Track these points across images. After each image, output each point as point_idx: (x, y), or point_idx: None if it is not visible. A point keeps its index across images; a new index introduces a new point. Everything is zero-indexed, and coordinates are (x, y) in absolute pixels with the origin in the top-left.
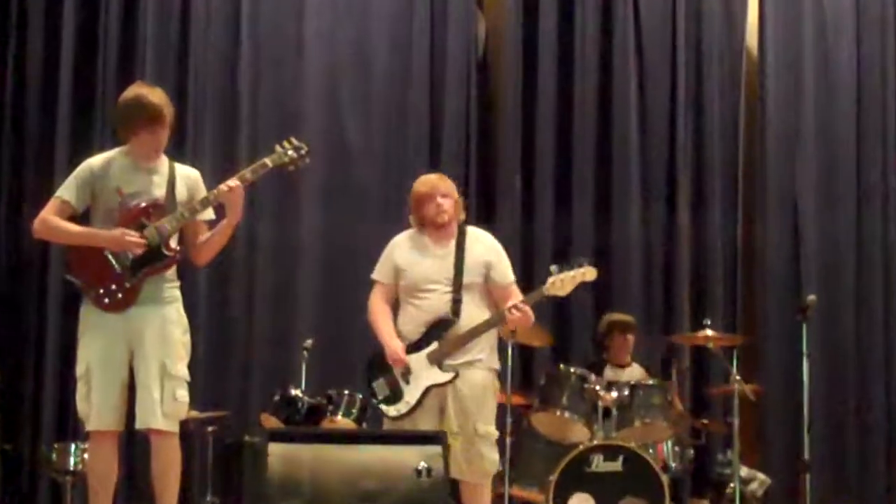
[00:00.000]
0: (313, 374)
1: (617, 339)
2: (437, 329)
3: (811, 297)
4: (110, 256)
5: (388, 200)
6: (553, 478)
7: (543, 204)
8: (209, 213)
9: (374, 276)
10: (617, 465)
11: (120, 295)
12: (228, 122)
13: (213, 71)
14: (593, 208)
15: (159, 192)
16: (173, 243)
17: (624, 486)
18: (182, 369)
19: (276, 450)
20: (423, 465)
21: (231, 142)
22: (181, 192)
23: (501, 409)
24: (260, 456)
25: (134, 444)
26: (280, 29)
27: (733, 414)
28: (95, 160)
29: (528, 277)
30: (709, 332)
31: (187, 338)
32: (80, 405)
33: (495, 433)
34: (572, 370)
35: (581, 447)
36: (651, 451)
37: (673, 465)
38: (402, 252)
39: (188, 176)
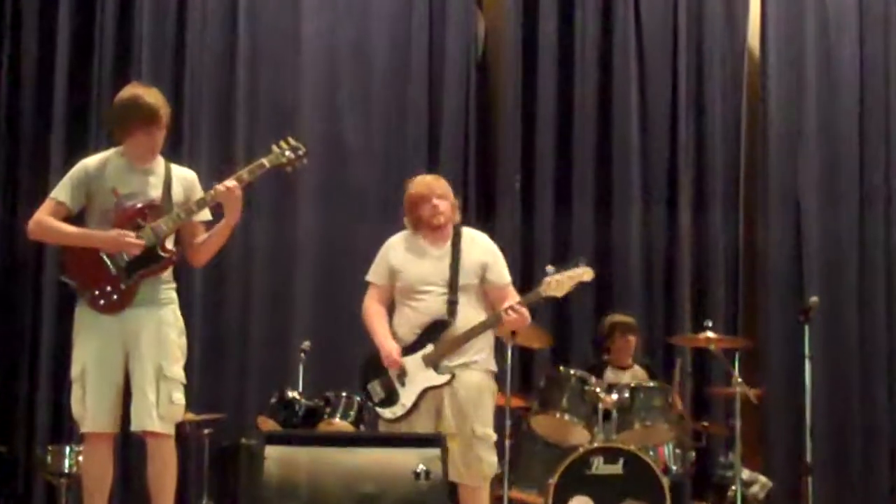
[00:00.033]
0: (310, 376)
1: (618, 340)
2: (433, 331)
3: (813, 299)
4: (105, 258)
5: (387, 201)
6: (553, 480)
7: (543, 205)
8: (206, 214)
9: (369, 277)
10: (617, 468)
11: (115, 296)
12: (225, 123)
13: (210, 71)
14: (594, 209)
15: (155, 192)
16: (169, 244)
17: (624, 489)
18: (178, 371)
19: (272, 453)
20: (421, 467)
21: (228, 142)
22: (177, 193)
23: (501, 411)
24: (256, 459)
25: (129, 447)
26: (277, 28)
27: (735, 416)
28: (91, 161)
29: (528, 279)
30: (710, 334)
31: (183, 339)
32: (75, 407)
33: (493, 435)
34: (572, 372)
35: (581, 450)
36: (652, 453)
37: (674, 467)
38: (398, 253)
39: (184, 177)
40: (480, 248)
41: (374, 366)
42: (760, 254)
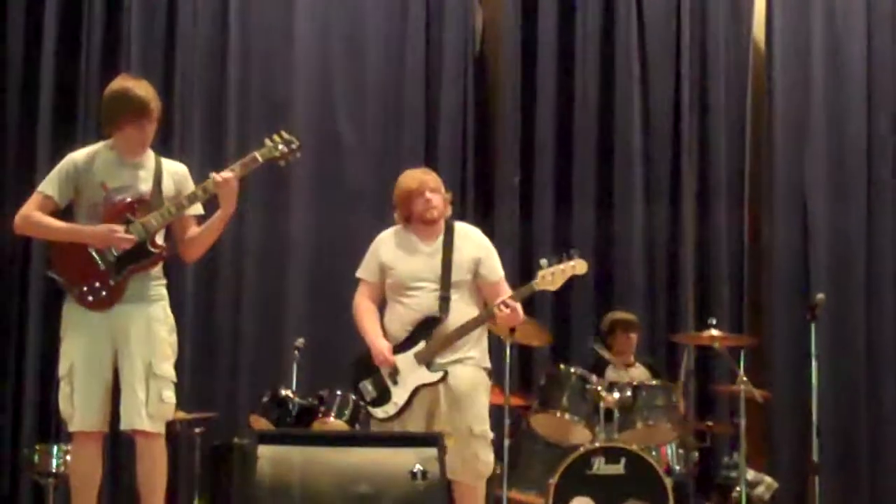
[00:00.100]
0: (304, 374)
1: (619, 338)
2: (425, 328)
3: (820, 296)
4: (94, 253)
5: (382, 197)
6: (553, 481)
7: (543, 202)
8: (198, 209)
9: (360, 274)
10: (619, 468)
11: (104, 293)
12: (216, 117)
13: (201, 64)
14: (595, 205)
15: (145, 187)
16: (159, 240)
17: (626, 489)
18: (168, 369)
19: (265, 452)
20: (418, 467)
21: (219, 136)
22: (168, 188)
23: (500, 410)
24: (249, 458)
25: (118, 446)
26: (270, 20)
27: (739, 415)
28: (79, 154)
29: (528, 278)
30: (714, 332)
31: (174, 337)
32: (63, 405)
33: (490, 433)
34: (573, 370)
35: (582, 449)
36: (654, 453)
37: (677, 467)
38: (388, 249)
39: (175, 171)
40: (473, 243)
41: (365, 364)
42: (766, 250)
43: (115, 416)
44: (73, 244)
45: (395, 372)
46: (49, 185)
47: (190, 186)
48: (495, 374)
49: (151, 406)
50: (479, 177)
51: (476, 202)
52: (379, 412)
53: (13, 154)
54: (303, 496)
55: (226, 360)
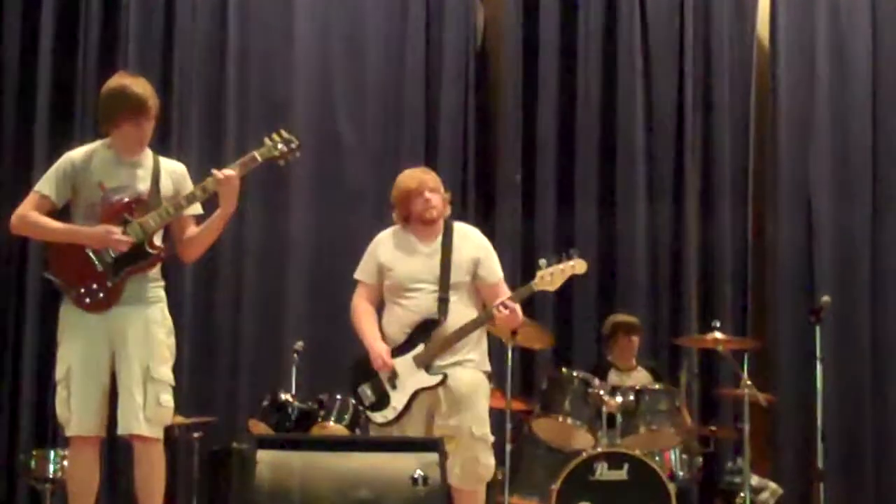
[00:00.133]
0: (304, 377)
1: (621, 341)
2: (424, 330)
3: (825, 298)
4: (91, 254)
5: (383, 198)
6: (555, 486)
7: (545, 202)
8: (196, 208)
9: (357, 275)
10: (622, 474)
11: (101, 294)
12: (215, 115)
13: (199, 61)
14: (597, 206)
15: (143, 186)
16: (157, 240)
17: (629, 495)
18: (166, 372)
19: (264, 457)
20: (419, 473)
21: (218, 135)
22: (166, 187)
23: (501, 414)
24: (248, 463)
25: (116, 451)
26: (269, 17)
27: (743, 420)
28: (76, 153)
29: (530, 278)
30: (718, 335)
31: (172, 339)
32: (60, 410)
33: (490, 436)
34: (575, 374)
35: (584, 455)
36: (657, 458)
37: (680, 473)
38: (387, 250)
39: (174, 170)
40: (472, 243)
41: (363, 368)
42: (770, 251)
43: (112, 420)
44: (71, 245)
45: (393, 376)
46: (46, 185)
47: (189, 186)
48: (497, 377)
49: (149, 410)
50: (480, 176)
51: (477, 201)
52: (378, 417)
53: (10, 153)
54: (302, 501)
55: (225, 362)
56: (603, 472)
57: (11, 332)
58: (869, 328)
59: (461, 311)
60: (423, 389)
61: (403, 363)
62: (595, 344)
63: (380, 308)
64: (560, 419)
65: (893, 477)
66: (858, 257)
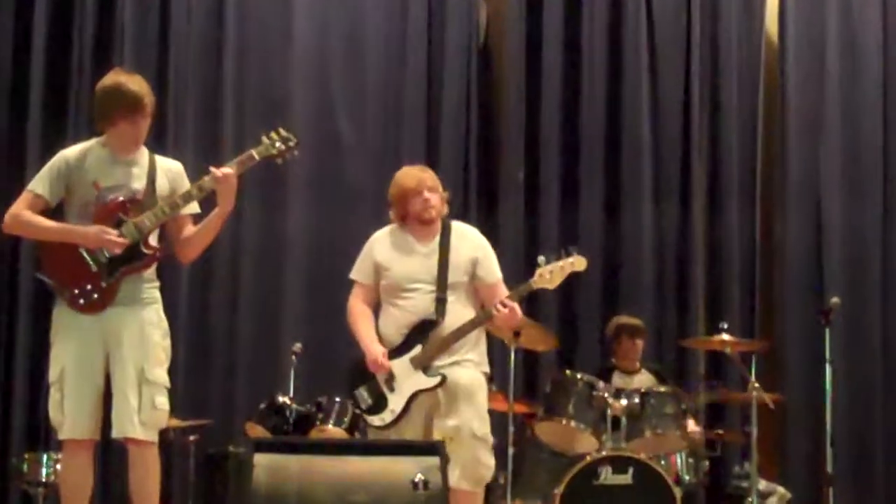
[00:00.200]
0: (302, 380)
1: (625, 343)
2: (421, 331)
3: (835, 300)
4: (85, 254)
5: (382, 197)
6: (559, 491)
7: (548, 200)
8: (194, 207)
9: (353, 275)
10: (627, 478)
11: (95, 295)
12: (212, 113)
13: (196, 58)
14: (602, 205)
15: (138, 185)
16: (153, 241)
17: (634, 499)
18: (161, 375)
19: (261, 461)
20: (419, 477)
21: (215, 133)
22: (162, 186)
23: (504, 417)
24: (245, 467)
25: (110, 454)
26: (267, 13)
27: (751, 423)
28: (71, 151)
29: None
30: (725, 337)
31: (167, 341)
32: (53, 412)
33: (490, 437)
34: (579, 376)
35: (588, 458)
36: (663, 462)
37: (686, 477)
38: (383, 249)
39: (170, 168)
40: (470, 243)
41: (360, 370)
42: (779, 252)
43: (106, 423)
44: (64, 245)
45: (390, 378)
46: (39, 184)
47: (185, 184)
48: (499, 379)
49: (144, 413)
50: (482, 174)
51: (479, 200)
52: (375, 420)
53: (2, 152)
54: None
55: (221, 364)
56: (607, 476)
57: (4, 332)
58: (879, 330)
59: (459, 312)
60: (422, 391)
61: (401, 365)
62: (599, 346)
63: (377, 309)
64: (564, 422)
65: None
66: (869, 258)
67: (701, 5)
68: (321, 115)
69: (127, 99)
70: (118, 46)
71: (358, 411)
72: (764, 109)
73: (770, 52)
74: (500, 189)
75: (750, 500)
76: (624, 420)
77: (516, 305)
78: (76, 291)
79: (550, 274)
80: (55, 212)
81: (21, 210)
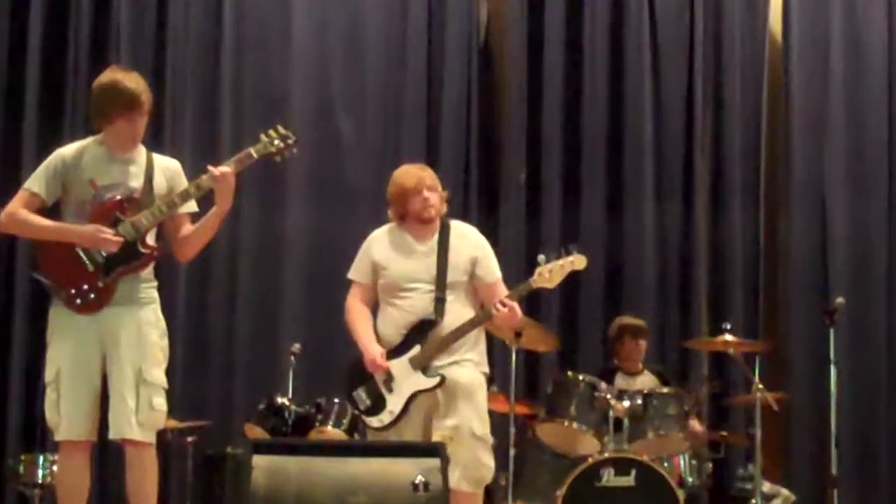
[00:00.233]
0: (301, 380)
1: (628, 344)
2: (420, 331)
3: (839, 300)
4: (82, 254)
5: (382, 197)
6: (560, 493)
7: (550, 200)
8: (192, 206)
9: (351, 275)
10: (629, 480)
11: (92, 295)
12: (209, 111)
13: (193, 57)
14: (604, 205)
15: (136, 183)
16: (150, 240)
17: (637, 502)
18: (159, 375)
19: (260, 462)
20: (420, 479)
21: (212, 131)
22: (160, 185)
23: (505, 418)
24: (243, 469)
25: (107, 456)
26: (265, 11)
27: (755, 425)
28: (67, 150)
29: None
30: (728, 338)
31: (165, 341)
32: (49, 413)
33: (490, 437)
34: (581, 377)
35: (590, 460)
36: (666, 464)
37: (689, 479)
38: (381, 248)
39: (167, 167)
40: (470, 242)
41: (358, 371)
42: (783, 251)
43: (103, 423)
44: (60, 244)
45: (389, 378)
46: (36, 182)
47: (183, 183)
48: (500, 380)
49: (142, 414)
50: (483, 174)
51: (480, 200)
52: (374, 421)
53: None
54: None
55: (219, 364)
56: (610, 478)
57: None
58: (885, 330)
59: (458, 311)
60: (421, 392)
61: (399, 365)
62: (601, 346)
63: (375, 309)
64: (565, 424)
65: None
66: (874, 257)
67: (704, 3)
68: (320, 115)
69: (124, 96)
70: (114, 45)
71: (356, 412)
72: (767, 108)
73: (774, 50)
74: (502, 189)
75: (754, 501)
76: (626, 421)
77: (516, 305)
78: (73, 291)
79: (550, 273)
80: (51, 210)
81: (17, 209)
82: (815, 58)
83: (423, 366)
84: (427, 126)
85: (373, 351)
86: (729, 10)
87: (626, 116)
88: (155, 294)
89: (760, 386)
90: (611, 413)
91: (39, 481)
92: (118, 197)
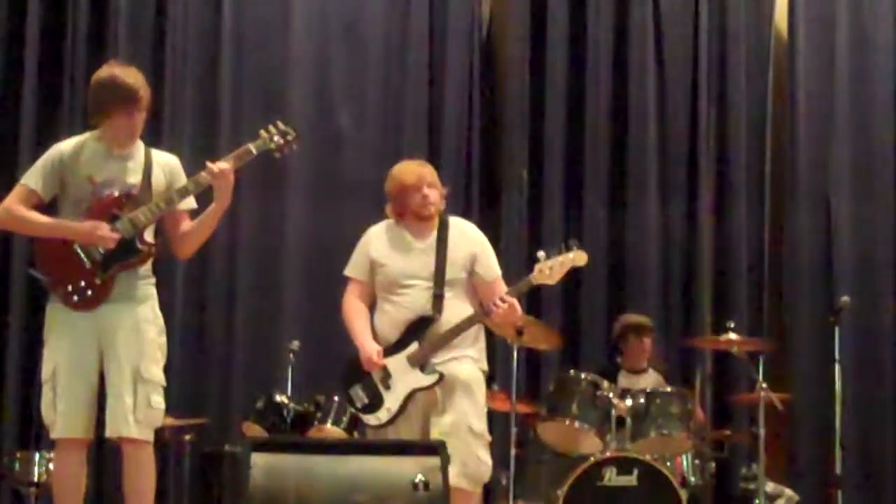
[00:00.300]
0: (300, 378)
1: (632, 342)
2: (418, 328)
3: (844, 299)
4: (79, 250)
5: (382, 194)
6: (561, 492)
7: (552, 198)
8: (190, 202)
9: (348, 272)
10: (631, 480)
11: (90, 292)
12: (209, 107)
13: (192, 50)
14: (607, 202)
15: (134, 179)
16: (148, 236)
17: (639, 501)
18: (157, 373)
19: (259, 461)
20: (420, 477)
21: (211, 127)
22: (158, 181)
23: (506, 417)
24: (241, 467)
25: (104, 453)
26: (265, 6)
27: (758, 424)
28: (65, 145)
29: None
30: (732, 336)
31: (163, 338)
32: (46, 411)
33: (488, 435)
34: (583, 376)
35: (592, 459)
36: (669, 464)
37: (692, 479)
38: (379, 245)
39: (166, 163)
40: (469, 239)
41: (356, 368)
42: (787, 250)
43: (100, 422)
44: (58, 241)
45: (386, 376)
46: (33, 178)
47: (182, 179)
48: (502, 378)
49: (139, 412)
50: (484, 170)
51: (482, 197)
52: (371, 419)
53: None
54: None
55: (218, 361)
56: (611, 477)
57: None
58: (890, 329)
59: (457, 308)
60: (419, 390)
61: (397, 362)
62: (604, 345)
63: (373, 306)
64: (567, 422)
65: None
66: (879, 255)
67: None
68: (320, 111)
69: (122, 91)
70: (112, 39)
71: (353, 410)
72: (772, 105)
73: (779, 47)
74: (504, 186)
75: (757, 502)
76: (629, 420)
77: (515, 302)
78: (70, 289)
79: (550, 270)
80: (49, 206)
81: (14, 204)
82: (820, 55)
83: (421, 363)
84: (428, 122)
85: (369, 348)
86: (734, 8)
87: (630, 114)
88: (153, 291)
89: (764, 385)
90: (613, 412)
91: (35, 479)
92: (116, 193)
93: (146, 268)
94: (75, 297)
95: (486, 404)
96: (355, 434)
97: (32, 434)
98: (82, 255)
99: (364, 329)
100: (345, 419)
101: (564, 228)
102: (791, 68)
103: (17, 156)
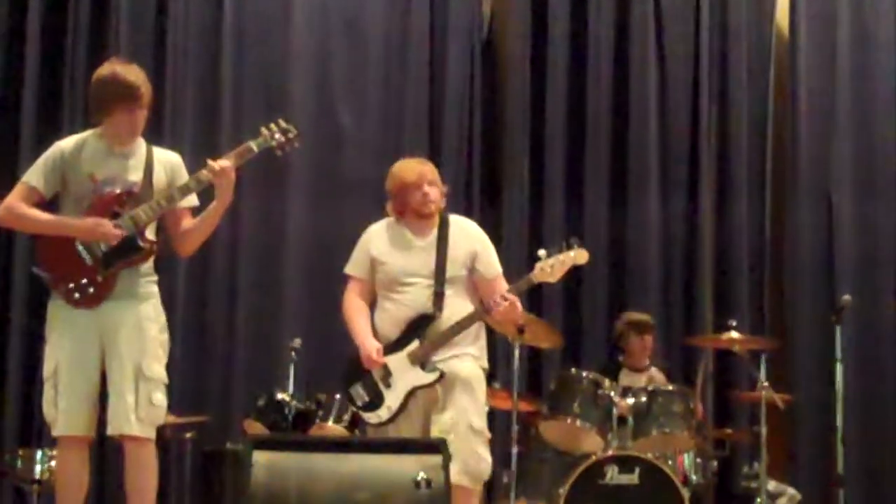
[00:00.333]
0: (301, 376)
1: (633, 340)
2: (418, 326)
3: (846, 298)
4: (81, 248)
5: (383, 192)
6: (563, 491)
7: (553, 195)
8: (192, 199)
9: (348, 270)
10: (633, 478)
11: (91, 289)
12: (210, 105)
13: (193, 47)
14: (608, 199)
15: (135, 177)
16: (150, 234)
17: (640, 500)
18: (159, 370)
19: (260, 458)
20: (422, 475)
21: (212, 125)
22: (159, 178)
23: (507, 415)
24: (243, 465)
25: (106, 451)
26: (266, 3)
27: (760, 423)
28: (66, 143)
29: None
30: (734, 335)
31: (165, 336)
32: (47, 409)
33: (488, 433)
34: (584, 374)
35: (594, 458)
36: (670, 462)
37: (694, 478)
38: (380, 243)
39: (168, 160)
40: (469, 236)
41: (356, 367)
42: (789, 248)
43: (102, 419)
44: (60, 238)
45: (387, 374)
46: (34, 175)
47: (183, 176)
48: (503, 377)
49: (141, 410)
50: (485, 167)
51: (482, 194)
52: (371, 417)
53: None
54: None
55: (219, 360)
56: (613, 475)
57: None
58: (892, 328)
59: (458, 306)
60: (419, 388)
61: (397, 360)
62: (605, 343)
63: (373, 304)
64: (568, 421)
65: None
66: (881, 253)
67: None
68: (321, 109)
69: (123, 88)
70: (113, 37)
71: (353, 408)
72: (774, 103)
73: (780, 44)
74: (504, 183)
75: (759, 500)
76: (630, 419)
77: (516, 299)
78: (71, 286)
79: (551, 268)
80: (50, 204)
81: (15, 202)
82: (822, 52)
83: (421, 361)
84: (429, 120)
85: (369, 346)
86: (735, 4)
87: (631, 111)
88: (155, 288)
89: (766, 384)
90: (614, 410)
91: (37, 477)
92: (117, 191)
93: (148, 265)
94: (77, 295)
95: (487, 402)
96: (356, 432)
97: (34, 431)
98: (84, 253)
99: (364, 327)
100: (346, 417)
101: (565, 226)
102: (792, 65)
103: (18, 154)
